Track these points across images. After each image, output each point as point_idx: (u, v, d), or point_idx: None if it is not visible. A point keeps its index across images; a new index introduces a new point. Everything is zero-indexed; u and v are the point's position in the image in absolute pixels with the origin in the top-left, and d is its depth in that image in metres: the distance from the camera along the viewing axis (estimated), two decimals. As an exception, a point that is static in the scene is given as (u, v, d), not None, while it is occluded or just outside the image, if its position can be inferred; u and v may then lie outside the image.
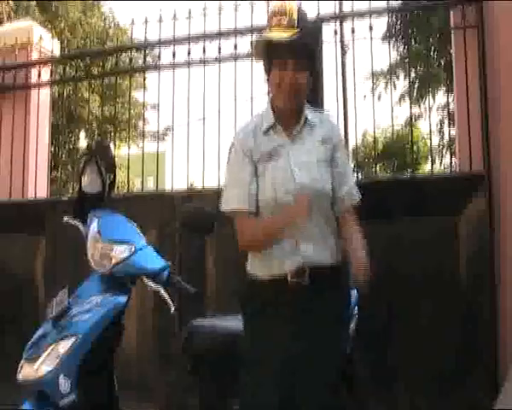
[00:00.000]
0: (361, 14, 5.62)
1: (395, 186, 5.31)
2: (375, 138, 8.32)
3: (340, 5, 6.99)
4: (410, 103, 8.19)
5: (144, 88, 7.07)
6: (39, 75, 6.78)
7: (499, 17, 5.05)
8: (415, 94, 14.79)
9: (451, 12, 5.46)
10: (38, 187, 6.66)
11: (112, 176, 3.68)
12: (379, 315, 4.69)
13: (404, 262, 4.85)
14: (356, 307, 3.51)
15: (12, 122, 6.73)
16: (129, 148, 6.80)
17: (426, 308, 4.81)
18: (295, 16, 2.80)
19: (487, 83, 5.02)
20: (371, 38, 5.57)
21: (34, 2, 16.85)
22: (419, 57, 10.90)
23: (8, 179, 6.61)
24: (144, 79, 6.70)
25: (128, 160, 6.62)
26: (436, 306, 4.80)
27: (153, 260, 3.35)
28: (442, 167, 18.70)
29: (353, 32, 5.61)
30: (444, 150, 18.92)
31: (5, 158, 6.71)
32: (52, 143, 8.18)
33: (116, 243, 3.29)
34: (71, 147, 15.08)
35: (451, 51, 5.54)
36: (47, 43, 7.11)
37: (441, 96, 15.90)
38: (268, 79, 2.92)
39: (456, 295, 4.82)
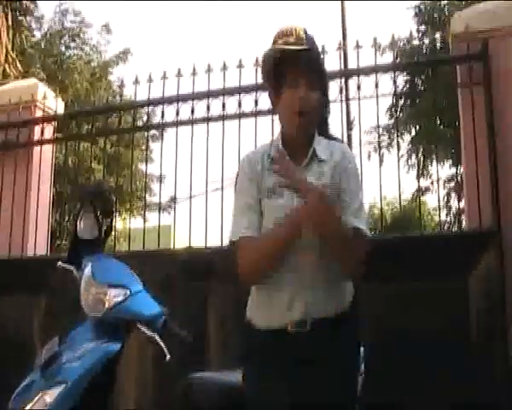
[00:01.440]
0: (366, 72, 5.57)
1: (404, 245, 5.17)
2: (382, 212, 8.22)
3: (345, 59, 6.94)
4: (418, 182, 8.21)
5: (147, 148, 7.00)
6: (42, 133, 6.76)
7: (506, 73, 5.04)
8: (421, 162, 14.75)
9: (458, 69, 5.41)
10: (38, 244, 6.55)
11: (109, 221, 3.58)
12: (388, 375, 4.50)
13: (413, 322, 4.69)
14: (362, 365, 3.34)
15: (14, 179, 6.68)
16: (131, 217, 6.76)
17: (437, 368, 4.62)
18: (303, 35, 2.61)
19: (495, 139, 4.97)
20: (377, 96, 5.53)
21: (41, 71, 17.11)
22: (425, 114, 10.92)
23: (8, 235, 6.52)
24: (147, 138, 6.64)
25: (129, 232, 6.48)
26: (448, 366, 4.62)
27: (148, 306, 3.22)
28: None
29: (359, 88, 5.56)
30: (451, 225, 18.80)
31: (5, 214, 6.62)
32: (56, 211, 8.13)
33: (110, 287, 3.17)
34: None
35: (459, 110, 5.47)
36: (51, 102, 7.09)
37: (448, 167, 15.80)
38: (276, 103, 2.70)
39: (469, 356, 4.64)
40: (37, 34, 21.15)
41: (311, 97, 2.58)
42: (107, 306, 3.13)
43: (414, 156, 13.96)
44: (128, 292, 3.17)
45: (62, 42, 20.76)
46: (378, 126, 5.61)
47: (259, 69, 4.71)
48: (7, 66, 15.06)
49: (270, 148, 2.71)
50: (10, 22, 15.71)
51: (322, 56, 2.79)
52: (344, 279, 2.65)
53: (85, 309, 3.22)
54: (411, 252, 4.89)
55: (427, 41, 13.48)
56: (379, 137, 5.17)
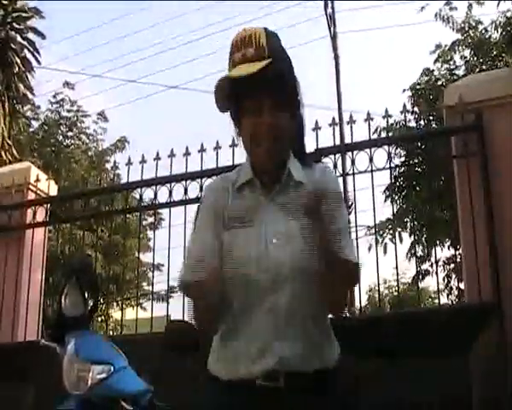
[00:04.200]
0: (361, 147, 5.53)
1: (402, 321, 5.04)
2: (379, 298, 8.14)
3: (341, 132, 6.94)
4: (417, 267, 8.15)
5: (140, 230, 6.92)
6: (34, 215, 6.68)
7: (501, 144, 5.03)
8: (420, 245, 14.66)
9: (452, 140, 5.37)
10: (29, 329, 6.41)
11: (95, 297, 3.46)
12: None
13: (414, 399, 4.51)
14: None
15: (5, 262, 6.58)
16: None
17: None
18: (264, 43, 2.14)
19: (493, 209, 4.92)
20: (371, 171, 5.47)
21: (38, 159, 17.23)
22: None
23: (-2, 320, 6.35)
24: (140, 219, 6.56)
25: (119, 321, 6.35)
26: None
27: (133, 383, 3.10)
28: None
29: (353, 163, 5.51)
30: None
31: (-4, 298, 6.47)
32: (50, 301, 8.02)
33: (94, 364, 3.03)
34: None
35: (455, 182, 5.42)
36: (43, 185, 7.05)
37: (447, 248, 15.71)
38: (238, 132, 2.26)
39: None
40: (35, 123, 21.47)
41: (279, 121, 2.14)
42: (90, 383, 3.00)
43: (413, 245, 13.85)
44: (112, 369, 3.05)
45: (59, 131, 20.96)
46: (374, 201, 5.53)
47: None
48: (3, 152, 15.16)
49: (237, 174, 2.28)
50: (7, 110, 15.91)
51: (290, 63, 2.24)
52: (324, 319, 2.21)
53: (68, 387, 3.08)
54: (410, 328, 4.76)
55: (422, 122, 13.56)
56: (374, 216, 5.08)
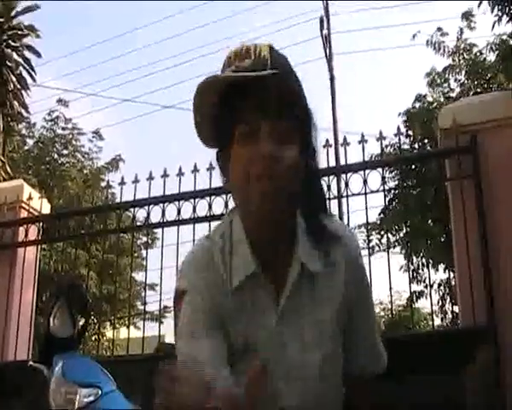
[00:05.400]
0: (355, 170, 5.51)
1: (397, 344, 4.98)
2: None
3: (337, 154, 6.94)
4: (410, 287, 8.19)
5: (133, 250, 6.88)
6: (26, 234, 6.62)
7: (495, 166, 5.01)
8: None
9: (447, 162, 5.36)
10: (19, 349, 6.26)
11: (85, 318, 3.42)
12: None
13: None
14: None
15: (-4, 280, 6.50)
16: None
17: None
18: (266, 55, 1.53)
19: (487, 232, 4.88)
20: (365, 193, 5.45)
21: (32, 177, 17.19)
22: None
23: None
24: (133, 238, 6.52)
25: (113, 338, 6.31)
26: None
27: (121, 406, 3.02)
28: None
29: (347, 185, 5.49)
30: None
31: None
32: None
33: (81, 386, 2.97)
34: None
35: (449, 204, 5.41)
36: (36, 203, 6.99)
37: (442, 271, 15.70)
38: (225, 175, 1.59)
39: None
40: (29, 141, 21.44)
41: (284, 154, 1.47)
42: (77, 406, 2.94)
43: (407, 259, 13.80)
44: (99, 392, 2.99)
45: (54, 149, 20.93)
46: (367, 223, 5.51)
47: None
48: (-4, 170, 15.15)
49: (229, 257, 1.57)
50: (1, 127, 15.90)
51: (300, 85, 1.58)
52: None
53: (54, 410, 3.02)
54: (404, 350, 4.71)
55: (416, 145, 13.58)
56: (368, 237, 5.03)
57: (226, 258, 1.56)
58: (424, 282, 15.76)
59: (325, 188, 5.41)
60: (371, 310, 1.72)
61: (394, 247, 13.90)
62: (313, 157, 1.60)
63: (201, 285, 1.53)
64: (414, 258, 13.76)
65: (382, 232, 13.38)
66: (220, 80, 1.50)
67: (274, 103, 1.48)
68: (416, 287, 15.32)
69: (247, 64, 1.50)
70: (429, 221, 12.01)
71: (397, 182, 11.43)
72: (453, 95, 14.06)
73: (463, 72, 14.27)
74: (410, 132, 13.67)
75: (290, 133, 1.49)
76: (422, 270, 14.79)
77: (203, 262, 1.57)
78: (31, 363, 3.36)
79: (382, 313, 25.31)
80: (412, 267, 13.85)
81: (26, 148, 20.91)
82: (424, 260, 13.51)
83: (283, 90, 1.50)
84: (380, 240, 13.24)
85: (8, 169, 15.71)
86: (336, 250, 1.59)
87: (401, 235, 13.72)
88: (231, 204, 4.62)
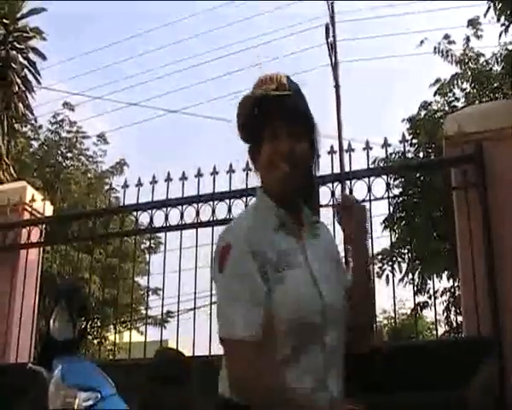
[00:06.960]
0: (359, 176, 5.48)
1: (399, 353, 4.96)
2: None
3: (341, 160, 6.91)
4: (415, 301, 8.16)
5: (135, 254, 6.87)
6: (29, 236, 6.63)
7: (501, 174, 5.01)
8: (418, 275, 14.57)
9: (452, 171, 5.33)
10: (21, 351, 6.30)
11: (85, 321, 3.39)
12: None
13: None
14: None
15: (-2, 282, 6.50)
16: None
17: None
18: (285, 82, 2.25)
19: (492, 242, 4.86)
20: (370, 200, 5.43)
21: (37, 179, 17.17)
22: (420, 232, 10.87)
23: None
24: (135, 242, 6.50)
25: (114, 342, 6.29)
26: None
27: (120, 410, 3.00)
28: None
29: (351, 192, 5.46)
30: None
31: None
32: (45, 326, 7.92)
33: (80, 390, 2.95)
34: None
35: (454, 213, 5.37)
36: (38, 205, 7.00)
37: (446, 279, 15.62)
38: (256, 160, 2.31)
39: None
40: (35, 144, 21.42)
41: (298, 149, 2.21)
42: (75, 410, 2.92)
43: (411, 274, 13.73)
44: (99, 396, 2.97)
45: (59, 152, 20.91)
46: (371, 230, 5.46)
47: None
48: (0, 172, 15.13)
49: (261, 217, 2.22)
50: (6, 129, 15.90)
51: (308, 104, 2.33)
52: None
53: (52, 414, 3.00)
54: (406, 360, 4.69)
55: (421, 154, 13.53)
56: (372, 245, 5.01)
57: (257, 219, 2.21)
58: (428, 292, 15.69)
59: (329, 194, 5.44)
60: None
61: (403, 279, 13.85)
62: (316, 152, 2.33)
63: (248, 238, 2.11)
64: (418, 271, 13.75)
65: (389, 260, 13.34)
66: (254, 97, 2.26)
67: (291, 114, 2.24)
68: (420, 298, 15.32)
69: (272, 87, 2.24)
70: (435, 236, 11.94)
71: (401, 189, 11.42)
72: (458, 104, 14.02)
73: (469, 81, 14.22)
74: (415, 140, 13.63)
75: (302, 135, 2.25)
76: (427, 282, 14.76)
77: (248, 223, 2.19)
78: (30, 365, 3.32)
79: (385, 322, 25.30)
80: (416, 281, 13.82)
81: (31, 150, 20.87)
82: (429, 273, 13.43)
83: (297, 106, 2.28)
84: (392, 266, 13.14)
85: (13, 171, 15.71)
86: (321, 224, 2.39)
87: (406, 259, 13.66)
88: (234, 209, 4.55)
